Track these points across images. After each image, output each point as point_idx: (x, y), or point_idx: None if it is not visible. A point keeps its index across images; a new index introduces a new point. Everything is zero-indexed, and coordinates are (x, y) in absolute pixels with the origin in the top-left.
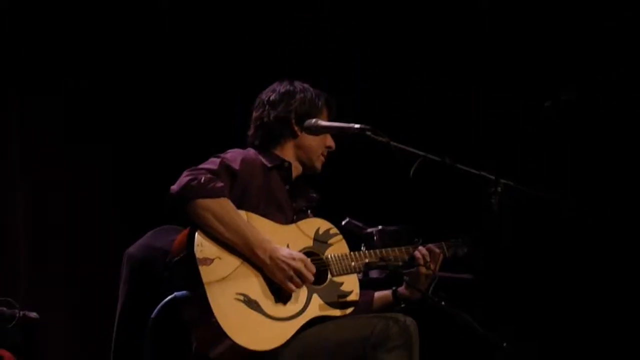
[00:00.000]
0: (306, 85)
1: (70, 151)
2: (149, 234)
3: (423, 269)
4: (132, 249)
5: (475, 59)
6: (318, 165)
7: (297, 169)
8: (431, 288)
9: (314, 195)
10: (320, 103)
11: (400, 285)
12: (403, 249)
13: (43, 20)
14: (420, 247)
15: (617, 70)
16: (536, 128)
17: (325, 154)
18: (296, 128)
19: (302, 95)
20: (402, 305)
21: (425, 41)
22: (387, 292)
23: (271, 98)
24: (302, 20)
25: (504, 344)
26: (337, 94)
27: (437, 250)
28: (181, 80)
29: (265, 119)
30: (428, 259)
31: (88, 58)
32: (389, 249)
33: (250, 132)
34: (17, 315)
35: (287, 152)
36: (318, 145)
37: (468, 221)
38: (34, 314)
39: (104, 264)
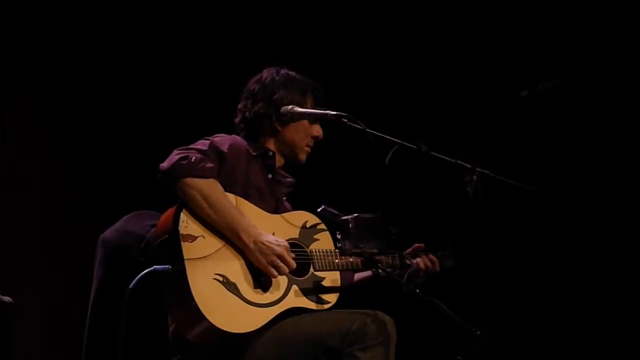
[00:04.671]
0: (292, 75)
1: (49, 135)
2: (124, 218)
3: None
4: (107, 233)
5: (454, 47)
6: (302, 157)
7: (280, 160)
8: (406, 276)
9: (290, 179)
10: (304, 95)
11: (376, 270)
12: (397, 257)
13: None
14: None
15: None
16: (513, 118)
17: (311, 144)
18: (277, 124)
19: (283, 90)
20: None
21: (403, 29)
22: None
23: (255, 90)
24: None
25: (478, 332)
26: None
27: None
28: (168, 73)
29: (247, 113)
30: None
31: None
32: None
33: (237, 119)
34: None
35: (271, 145)
36: (301, 138)
37: (444, 210)
38: (7, 298)
39: (79, 249)
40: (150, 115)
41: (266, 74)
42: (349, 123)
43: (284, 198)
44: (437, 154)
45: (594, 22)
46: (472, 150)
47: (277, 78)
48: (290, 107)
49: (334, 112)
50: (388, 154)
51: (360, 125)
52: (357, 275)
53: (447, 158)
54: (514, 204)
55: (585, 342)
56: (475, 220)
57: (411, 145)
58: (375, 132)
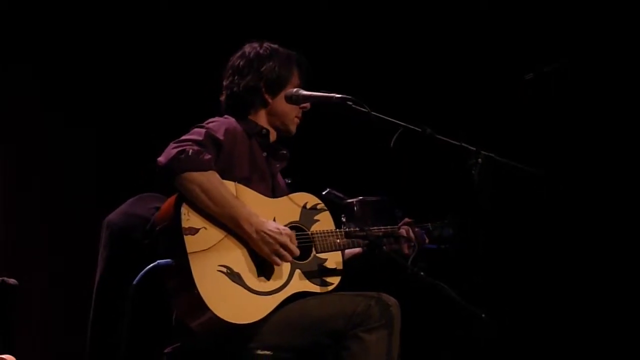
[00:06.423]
0: (275, 47)
1: (51, 117)
2: (129, 201)
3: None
4: (112, 215)
5: (458, 31)
6: (293, 128)
7: (273, 135)
8: (411, 258)
9: (284, 152)
10: (290, 66)
11: (380, 254)
12: (389, 228)
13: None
14: (405, 227)
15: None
16: (518, 101)
17: (300, 115)
18: (267, 96)
19: (270, 62)
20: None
21: (407, 12)
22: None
23: (240, 65)
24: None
25: (483, 315)
26: (320, 63)
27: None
28: (170, 66)
29: (235, 89)
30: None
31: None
32: (374, 228)
33: (222, 98)
34: None
35: (261, 119)
36: (291, 110)
37: (449, 193)
38: (12, 281)
39: (84, 231)
40: (149, 108)
41: (249, 48)
42: (353, 106)
43: (279, 175)
44: (441, 137)
45: (599, 5)
46: (477, 133)
47: (261, 51)
48: (294, 90)
49: (339, 95)
50: (393, 137)
51: (365, 108)
52: (350, 250)
53: (451, 141)
54: (519, 187)
55: (589, 327)
56: (480, 202)
57: (415, 128)
58: (380, 115)
